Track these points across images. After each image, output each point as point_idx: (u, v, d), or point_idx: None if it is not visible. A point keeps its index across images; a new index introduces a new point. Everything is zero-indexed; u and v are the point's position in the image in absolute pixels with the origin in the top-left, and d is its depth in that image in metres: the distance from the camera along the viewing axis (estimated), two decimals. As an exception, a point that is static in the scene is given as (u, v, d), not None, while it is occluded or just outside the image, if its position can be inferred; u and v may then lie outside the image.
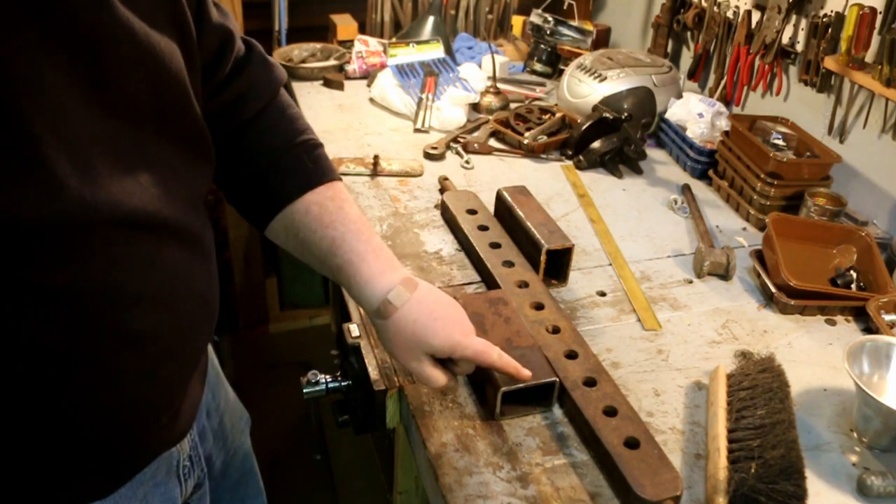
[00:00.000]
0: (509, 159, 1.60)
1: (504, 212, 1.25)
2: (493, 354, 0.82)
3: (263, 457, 1.10)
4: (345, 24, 2.08)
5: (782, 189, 1.37)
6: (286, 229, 0.81)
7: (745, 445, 0.83)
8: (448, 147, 1.61)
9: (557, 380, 0.90)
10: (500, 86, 1.83)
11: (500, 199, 1.27)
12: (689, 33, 1.97)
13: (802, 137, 1.46)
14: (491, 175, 1.52)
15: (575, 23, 2.04)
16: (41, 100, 0.52)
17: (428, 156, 1.56)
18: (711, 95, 1.82)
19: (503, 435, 0.88)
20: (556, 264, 1.16)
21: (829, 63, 1.43)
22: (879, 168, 1.41)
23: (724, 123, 1.57)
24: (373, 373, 0.94)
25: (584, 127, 1.57)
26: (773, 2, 1.57)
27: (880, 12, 1.34)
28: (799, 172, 1.37)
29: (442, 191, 1.41)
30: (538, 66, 2.03)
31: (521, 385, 0.87)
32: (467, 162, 1.55)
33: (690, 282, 1.21)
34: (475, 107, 1.80)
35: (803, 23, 1.54)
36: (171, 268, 0.65)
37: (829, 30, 1.45)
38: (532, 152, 1.60)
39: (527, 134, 1.61)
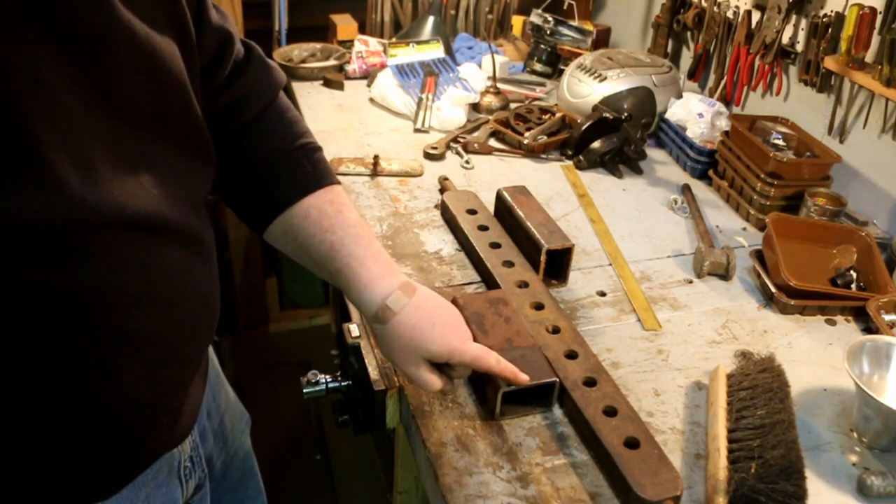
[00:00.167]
0: (509, 159, 1.60)
1: (504, 212, 1.25)
2: (491, 359, 0.82)
3: (263, 457, 1.10)
4: (345, 24, 2.08)
5: (782, 189, 1.37)
6: (285, 233, 0.81)
7: (745, 445, 0.83)
8: (448, 147, 1.61)
9: (557, 380, 0.90)
10: (500, 86, 1.83)
11: (500, 199, 1.27)
12: (689, 33, 1.97)
13: (802, 137, 1.46)
14: (491, 175, 1.52)
15: (575, 23, 2.04)
16: (41, 100, 0.52)
17: (428, 156, 1.56)
18: (711, 95, 1.82)
19: (503, 435, 0.88)
20: (556, 264, 1.16)
21: (829, 63, 1.43)
22: (879, 168, 1.41)
23: (724, 123, 1.57)
24: (373, 373, 0.94)
25: (584, 127, 1.57)
26: (773, 2, 1.57)
27: (880, 12, 1.34)
28: (799, 172, 1.37)
29: (442, 191, 1.41)
30: (538, 66, 2.03)
31: (521, 385, 0.87)
32: (467, 162, 1.55)
33: (690, 282, 1.21)
34: (475, 107, 1.80)
35: (803, 23, 1.54)
36: (173, 269, 0.65)
37: (829, 30, 1.45)
38: (532, 152, 1.60)
39: (527, 134, 1.61)
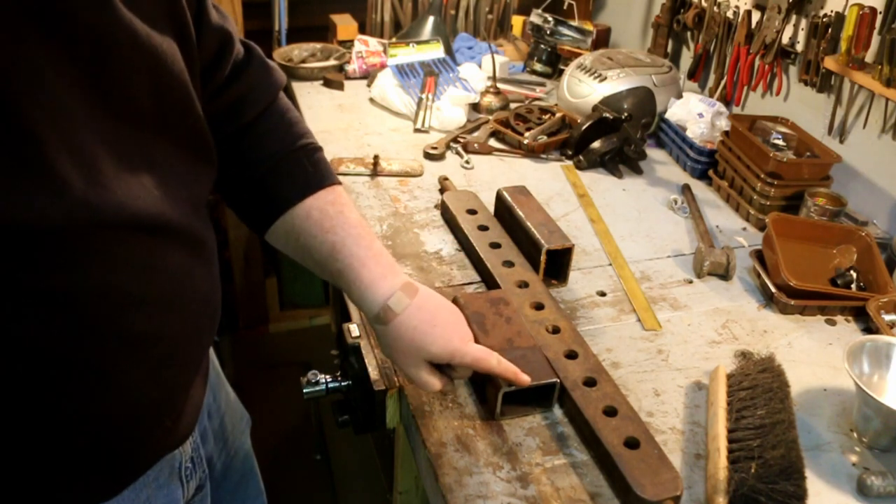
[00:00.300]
0: (509, 159, 1.60)
1: (504, 212, 1.25)
2: (492, 361, 0.82)
3: (263, 457, 1.10)
4: (345, 24, 2.08)
5: (782, 189, 1.37)
6: (286, 234, 0.81)
7: (745, 445, 0.83)
8: (448, 147, 1.61)
9: (558, 380, 0.90)
10: (500, 86, 1.83)
11: (500, 199, 1.27)
12: (689, 33, 1.97)
13: (802, 137, 1.46)
14: (491, 175, 1.52)
15: (575, 23, 2.04)
16: (42, 100, 0.51)
17: (428, 156, 1.56)
18: (711, 95, 1.82)
19: (503, 435, 0.88)
20: (556, 264, 1.16)
21: (829, 63, 1.43)
22: (879, 168, 1.41)
23: (724, 123, 1.57)
24: (373, 373, 0.94)
25: (584, 127, 1.57)
26: (773, 2, 1.57)
27: (880, 12, 1.34)
28: (799, 172, 1.37)
29: (442, 191, 1.41)
30: (538, 66, 2.03)
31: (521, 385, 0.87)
32: (467, 162, 1.55)
33: (690, 282, 1.21)
34: (475, 107, 1.80)
35: (803, 23, 1.54)
36: (174, 270, 0.65)
37: (829, 30, 1.45)
38: (532, 152, 1.60)
39: (527, 134, 1.61)
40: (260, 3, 2.09)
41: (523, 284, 1.08)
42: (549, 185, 1.49)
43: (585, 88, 1.69)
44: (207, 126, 0.70)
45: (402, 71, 1.83)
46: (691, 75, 1.92)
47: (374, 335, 1.00)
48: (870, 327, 1.11)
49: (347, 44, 2.03)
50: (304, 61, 2.02)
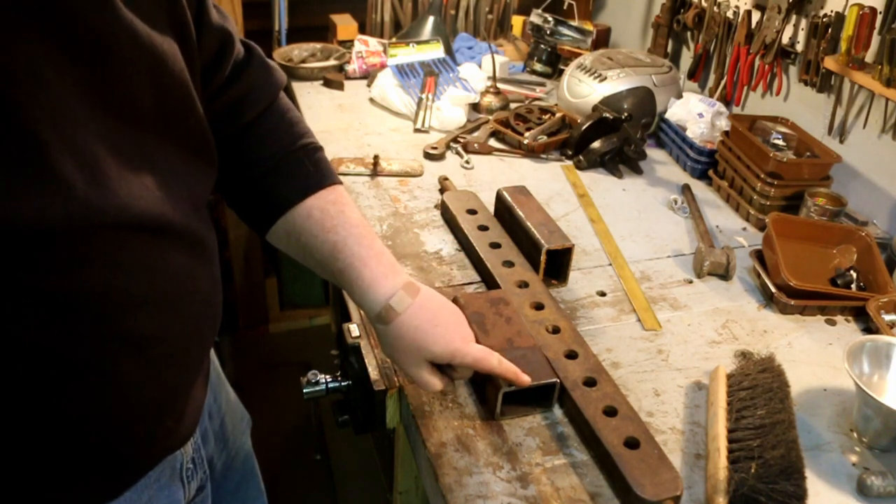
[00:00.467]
0: (509, 159, 1.60)
1: (504, 212, 1.25)
2: (493, 361, 0.82)
3: (263, 457, 1.09)
4: (345, 24, 2.08)
5: (782, 189, 1.37)
6: (288, 234, 0.81)
7: (745, 445, 0.83)
8: (448, 147, 1.61)
9: (558, 380, 0.90)
10: (500, 86, 1.83)
11: (500, 199, 1.27)
12: (689, 33, 1.97)
13: (802, 137, 1.46)
14: (491, 175, 1.52)
15: (575, 23, 2.04)
16: (44, 101, 0.51)
17: (428, 156, 1.56)
18: (711, 95, 1.82)
19: (503, 435, 0.88)
20: (556, 264, 1.16)
21: (829, 63, 1.43)
22: (879, 168, 1.41)
23: (724, 123, 1.57)
24: (373, 373, 0.94)
25: (584, 127, 1.57)
26: (773, 2, 1.57)
27: (880, 12, 1.34)
28: (799, 172, 1.37)
29: (442, 191, 1.41)
30: (538, 66, 2.03)
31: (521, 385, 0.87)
32: (467, 162, 1.55)
33: (690, 282, 1.21)
34: (475, 107, 1.80)
35: (803, 23, 1.54)
36: (176, 271, 0.65)
37: (829, 30, 1.45)
38: (532, 152, 1.60)
39: (527, 134, 1.61)
40: (260, 3, 2.09)
41: (523, 284, 1.08)
42: (549, 185, 1.49)
43: (585, 88, 1.69)
44: (208, 126, 0.70)
45: (402, 71, 1.83)
46: (691, 75, 1.92)
47: (374, 335, 1.00)
48: (870, 327, 1.11)
49: (347, 44, 2.03)
50: (304, 61, 2.02)
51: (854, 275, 1.20)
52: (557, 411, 0.92)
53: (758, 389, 0.90)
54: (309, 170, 0.81)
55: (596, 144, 1.56)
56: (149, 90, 0.60)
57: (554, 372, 0.91)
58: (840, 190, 1.40)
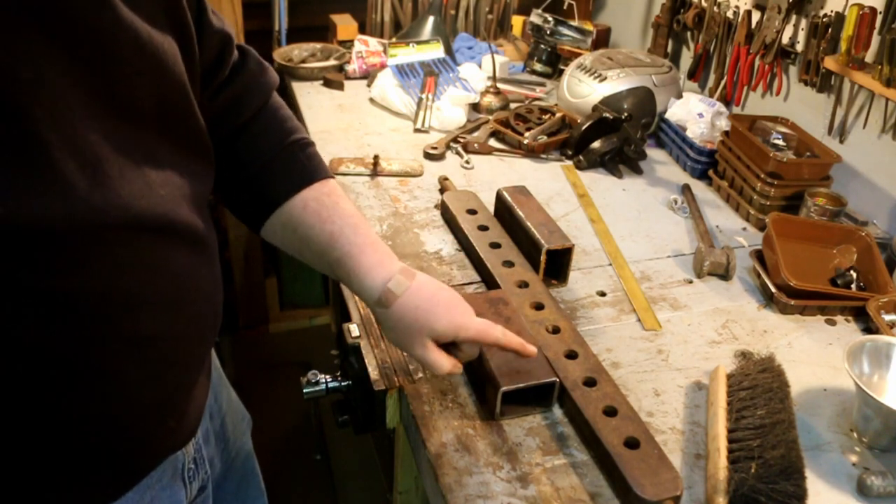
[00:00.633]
0: (509, 159, 1.60)
1: (504, 212, 1.25)
2: (497, 332, 0.82)
3: (263, 457, 1.09)
4: (345, 24, 2.08)
5: (782, 189, 1.37)
6: (283, 226, 0.81)
7: (745, 445, 0.83)
8: (448, 147, 1.61)
9: (557, 380, 0.90)
10: (500, 86, 1.83)
11: (500, 199, 1.27)
12: (689, 33, 1.97)
13: (802, 137, 1.46)
14: (491, 175, 1.52)
15: (575, 23, 2.04)
16: (46, 101, 0.51)
17: (428, 156, 1.56)
18: (711, 95, 1.82)
19: (503, 435, 0.88)
20: (556, 264, 1.16)
21: (829, 63, 1.43)
22: (879, 168, 1.41)
23: (724, 123, 1.57)
24: (373, 373, 0.94)
25: (584, 127, 1.57)
26: (773, 2, 1.57)
27: (880, 12, 1.34)
28: (799, 172, 1.37)
29: (442, 191, 1.41)
30: (538, 66, 2.03)
31: (521, 385, 0.87)
32: (467, 162, 1.55)
33: (690, 282, 1.21)
34: (475, 107, 1.80)
35: (803, 23, 1.54)
36: (178, 270, 0.65)
37: (829, 30, 1.45)
38: (532, 152, 1.60)
39: (527, 134, 1.61)
40: (260, 3, 2.09)
41: (523, 284, 1.08)
42: (549, 185, 1.49)
43: (585, 88, 1.69)
44: (205, 127, 0.70)
45: (402, 71, 1.83)
46: (691, 75, 1.92)
47: (374, 335, 1.00)
48: (870, 327, 1.11)
49: (347, 44, 2.03)
50: (304, 61, 2.02)
51: (854, 275, 1.20)
52: (557, 411, 0.92)
53: (758, 389, 0.90)
54: (303, 163, 0.82)
55: (596, 144, 1.56)
56: (150, 90, 0.60)
57: (553, 371, 0.91)
58: (840, 190, 1.40)
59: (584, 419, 0.86)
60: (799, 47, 1.56)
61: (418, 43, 1.93)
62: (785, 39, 1.59)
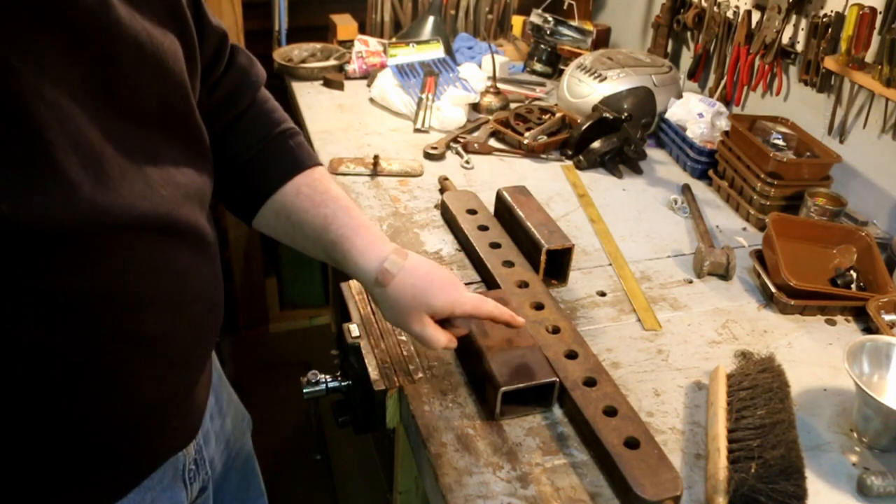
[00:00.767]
0: (509, 159, 1.60)
1: (504, 212, 1.25)
2: (489, 305, 0.85)
3: (263, 457, 1.09)
4: (345, 24, 2.08)
5: (782, 189, 1.37)
6: (277, 214, 0.83)
7: (745, 445, 0.83)
8: (448, 147, 1.61)
9: (557, 380, 0.90)
10: (500, 86, 1.83)
11: (500, 199, 1.27)
12: (689, 33, 1.97)
13: (802, 137, 1.46)
14: (491, 175, 1.52)
15: (575, 23, 2.04)
16: (49, 102, 0.51)
17: (428, 156, 1.56)
18: (711, 95, 1.82)
19: (503, 435, 0.88)
20: (556, 264, 1.16)
21: (829, 63, 1.43)
22: (879, 168, 1.41)
23: (724, 123, 1.57)
24: (373, 373, 0.94)
25: (584, 127, 1.57)
26: (773, 2, 1.57)
27: (880, 12, 1.34)
28: (799, 172, 1.37)
29: (442, 191, 1.41)
30: (538, 66, 2.03)
31: (521, 385, 0.87)
32: (467, 162, 1.55)
33: (690, 282, 1.21)
34: (475, 107, 1.80)
35: (803, 23, 1.54)
36: (180, 270, 0.65)
37: (829, 30, 1.45)
38: (532, 152, 1.60)
39: (527, 134, 1.61)
40: (260, 3, 2.09)
41: (523, 284, 1.08)
42: (549, 185, 1.49)
43: (585, 88, 1.69)
44: (203, 125, 0.70)
45: (402, 71, 1.83)
46: (691, 75, 1.92)
47: (374, 335, 1.00)
48: (870, 327, 1.11)
49: (347, 44, 2.03)
50: (304, 61, 2.02)
51: (854, 275, 1.20)
52: (557, 411, 0.92)
53: (758, 389, 0.90)
54: (293, 152, 0.84)
55: (596, 144, 1.56)
56: (151, 89, 0.60)
57: (553, 371, 0.91)
58: (840, 190, 1.40)
59: (584, 419, 0.86)
60: (799, 47, 1.56)
61: (418, 43, 1.93)
62: (785, 39, 1.59)
